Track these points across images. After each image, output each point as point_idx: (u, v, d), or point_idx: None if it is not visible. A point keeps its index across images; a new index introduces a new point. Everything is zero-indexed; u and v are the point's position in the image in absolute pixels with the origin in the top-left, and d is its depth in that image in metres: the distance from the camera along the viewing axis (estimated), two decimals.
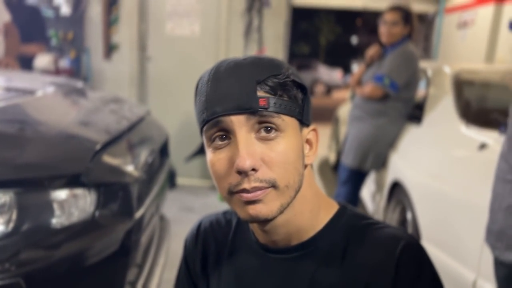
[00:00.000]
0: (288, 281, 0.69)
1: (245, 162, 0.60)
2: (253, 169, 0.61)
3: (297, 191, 0.66)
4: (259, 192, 0.62)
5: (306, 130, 0.68)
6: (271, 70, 0.63)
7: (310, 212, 0.69)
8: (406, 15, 2.71)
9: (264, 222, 0.66)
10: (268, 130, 0.62)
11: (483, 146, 1.98)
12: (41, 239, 1.11)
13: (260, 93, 0.61)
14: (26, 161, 1.18)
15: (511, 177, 1.35)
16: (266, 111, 0.61)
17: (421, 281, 0.65)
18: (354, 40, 26.94)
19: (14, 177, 1.13)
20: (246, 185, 0.61)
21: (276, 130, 0.62)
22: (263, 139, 0.62)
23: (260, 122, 0.62)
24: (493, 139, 1.99)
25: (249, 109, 0.60)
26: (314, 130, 0.70)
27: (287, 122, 0.63)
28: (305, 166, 0.68)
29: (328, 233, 0.70)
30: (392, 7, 2.75)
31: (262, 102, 0.61)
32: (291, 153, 0.63)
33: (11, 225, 1.09)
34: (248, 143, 0.61)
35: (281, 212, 0.64)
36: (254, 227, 0.73)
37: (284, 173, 0.63)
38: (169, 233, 2.23)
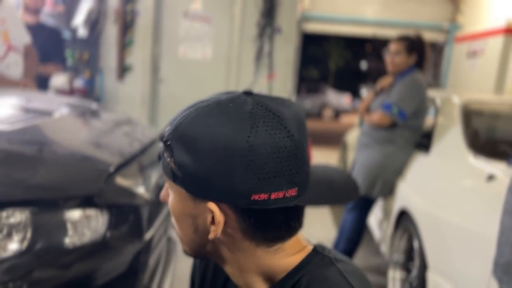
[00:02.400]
0: None
1: (161, 193, 0.69)
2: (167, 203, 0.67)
3: (200, 251, 0.66)
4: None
5: (207, 204, 0.60)
6: (166, 127, 0.63)
7: (253, 276, 0.65)
8: (411, 44, 2.76)
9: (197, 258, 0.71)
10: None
11: (491, 178, 1.99)
12: (53, 258, 1.13)
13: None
14: (42, 181, 1.22)
15: None
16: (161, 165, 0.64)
17: None
18: (364, 65, 27.17)
19: (30, 197, 1.16)
20: None
21: (168, 185, 0.66)
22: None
23: None
24: (502, 170, 2.00)
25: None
26: (211, 210, 0.60)
27: (170, 184, 0.63)
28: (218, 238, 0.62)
29: None
30: (397, 38, 2.81)
31: (158, 157, 0.65)
32: (175, 213, 0.65)
33: (25, 243, 1.12)
34: (166, 185, 0.67)
35: (194, 255, 0.68)
36: None
37: (175, 224, 0.67)
38: (176, 254, 2.24)
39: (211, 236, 0.61)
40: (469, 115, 2.66)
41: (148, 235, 1.45)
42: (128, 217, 1.36)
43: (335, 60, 25.73)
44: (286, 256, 0.64)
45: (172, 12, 4.29)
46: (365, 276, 0.67)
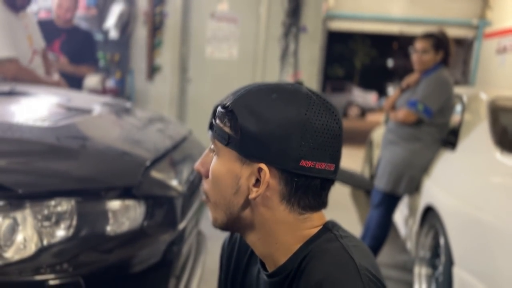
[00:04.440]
0: None
1: (195, 164, 0.76)
2: (201, 173, 0.75)
3: (234, 216, 0.72)
4: (204, 198, 0.76)
5: (255, 165, 0.68)
6: (224, 99, 0.72)
7: (276, 242, 0.71)
8: (437, 42, 2.76)
9: (224, 229, 0.76)
10: (214, 149, 0.73)
11: None
12: (97, 244, 1.23)
13: (215, 117, 0.73)
14: (86, 173, 1.32)
15: None
16: (212, 133, 0.73)
17: None
18: (390, 63, 26.78)
19: (75, 187, 1.26)
20: (202, 186, 0.76)
21: (215, 151, 0.73)
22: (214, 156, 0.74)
23: None
24: None
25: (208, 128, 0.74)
26: (261, 168, 0.67)
27: (220, 148, 0.71)
28: (257, 199, 0.69)
29: (294, 262, 0.70)
30: (423, 35, 2.81)
31: (210, 125, 0.73)
32: (217, 177, 0.72)
33: (72, 230, 1.22)
34: (205, 153, 0.76)
35: (223, 225, 0.74)
36: None
37: (212, 190, 0.73)
38: (206, 247, 2.32)
39: (252, 195, 0.68)
40: (496, 112, 2.65)
41: (181, 226, 1.53)
42: (163, 208, 1.45)
43: (361, 58, 25.43)
44: (310, 227, 0.72)
45: (199, 13, 4.39)
46: (369, 251, 0.74)
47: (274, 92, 0.69)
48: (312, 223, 0.72)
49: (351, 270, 0.64)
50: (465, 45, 6.58)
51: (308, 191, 0.69)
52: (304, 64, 4.29)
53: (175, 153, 1.79)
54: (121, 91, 4.43)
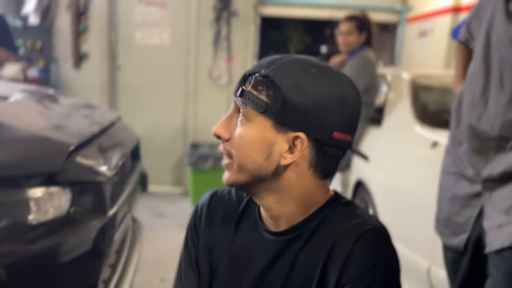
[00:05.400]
0: (276, 260, 0.78)
1: (215, 128, 0.76)
2: (220, 137, 0.76)
3: (259, 179, 0.75)
4: (225, 161, 0.77)
5: (290, 134, 0.72)
6: (258, 68, 0.74)
7: (297, 205, 0.76)
8: (360, 23, 2.88)
9: (241, 189, 0.80)
10: (241, 115, 0.75)
11: (435, 144, 2.14)
12: (18, 234, 1.17)
13: (246, 85, 0.74)
14: (3, 160, 1.24)
15: (455, 169, 1.49)
16: (241, 99, 0.74)
17: (371, 272, 0.69)
18: (324, 49, 27.50)
19: None
20: (220, 147, 0.78)
21: (244, 117, 0.74)
22: (239, 121, 0.75)
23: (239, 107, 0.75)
24: (444, 137, 2.16)
25: (234, 94, 0.75)
26: (298, 137, 0.72)
27: (252, 115, 0.73)
28: (287, 165, 0.73)
29: (312, 220, 0.77)
30: (346, 18, 2.92)
31: (238, 91, 0.74)
32: (248, 142, 0.73)
33: None
34: (227, 117, 0.76)
35: (242, 186, 0.77)
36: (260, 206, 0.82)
37: (238, 154, 0.75)
38: (142, 236, 2.29)
39: (286, 162, 0.73)
40: (417, 89, 2.82)
41: (111, 212, 1.50)
42: (91, 193, 1.41)
43: (295, 44, 25.85)
44: (326, 191, 0.79)
45: None
46: None
47: (312, 66, 0.73)
48: (327, 188, 0.79)
49: (382, 224, 0.75)
50: (391, 30, 6.90)
51: (333, 159, 0.75)
52: (238, 49, 4.29)
53: (103, 139, 1.73)
54: (46, 80, 4.18)
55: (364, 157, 0.98)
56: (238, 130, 0.74)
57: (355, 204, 0.82)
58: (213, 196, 0.90)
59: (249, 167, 0.75)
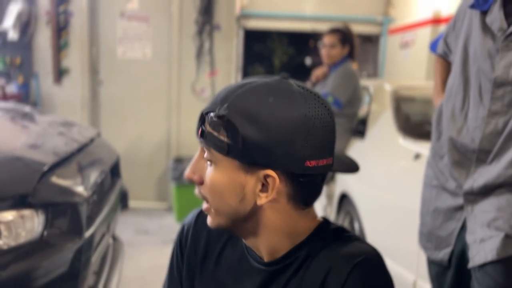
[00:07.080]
0: None
1: (186, 172, 0.73)
2: (194, 181, 0.72)
3: (238, 221, 0.72)
4: (204, 205, 0.74)
5: (260, 172, 0.67)
6: (214, 105, 0.68)
7: (282, 238, 0.73)
8: (343, 36, 2.90)
9: (225, 231, 0.77)
10: (208, 158, 0.71)
11: (417, 156, 2.14)
12: None
13: (205, 124, 0.69)
14: None
15: (436, 182, 1.48)
16: (204, 141, 0.69)
17: None
18: (308, 61, 27.74)
19: None
20: (196, 190, 0.74)
21: (210, 160, 0.70)
22: (207, 163, 0.71)
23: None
24: (426, 149, 2.16)
25: (196, 135, 0.71)
26: (269, 175, 0.67)
27: (218, 158, 0.68)
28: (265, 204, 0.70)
29: (301, 249, 0.73)
30: (330, 30, 2.94)
31: (199, 133, 0.70)
32: (219, 187, 0.70)
33: None
34: (196, 160, 0.73)
35: (225, 229, 0.74)
36: None
37: (213, 199, 0.72)
38: (123, 254, 2.23)
39: (262, 201, 0.68)
40: (399, 101, 2.84)
41: (88, 233, 1.45)
42: (66, 215, 1.36)
43: (279, 57, 26.03)
44: (310, 219, 0.75)
45: (107, 12, 4.20)
46: None
47: (269, 94, 0.67)
48: (312, 215, 0.75)
49: (376, 250, 0.72)
50: (374, 42, 6.99)
51: (312, 188, 0.71)
52: (221, 63, 4.28)
53: (80, 157, 1.69)
54: (25, 96, 4.11)
55: (350, 171, 0.91)
56: (208, 175, 0.71)
57: (346, 229, 0.78)
58: (199, 216, 0.87)
59: (225, 211, 0.71)
